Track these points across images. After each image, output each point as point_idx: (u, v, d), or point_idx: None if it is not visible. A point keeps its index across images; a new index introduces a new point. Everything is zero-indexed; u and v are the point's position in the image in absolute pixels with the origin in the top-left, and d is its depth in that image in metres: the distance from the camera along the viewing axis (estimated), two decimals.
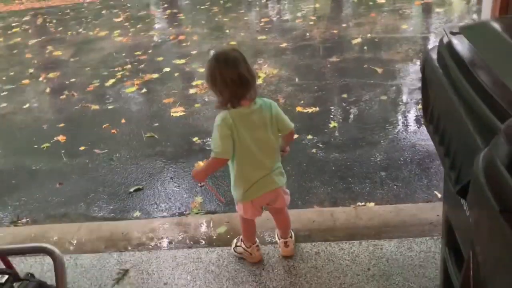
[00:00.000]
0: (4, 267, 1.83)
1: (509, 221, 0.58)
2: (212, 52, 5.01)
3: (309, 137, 3.28)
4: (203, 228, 2.42)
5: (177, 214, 2.69)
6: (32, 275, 1.77)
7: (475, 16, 5.86)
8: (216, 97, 1.85)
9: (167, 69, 5.02)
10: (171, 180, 3.02)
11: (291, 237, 2.18)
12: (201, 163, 3.12)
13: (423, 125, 3.32)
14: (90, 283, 2.13)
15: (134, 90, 4.61)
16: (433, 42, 5.13)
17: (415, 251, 2.09)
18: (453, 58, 1.12)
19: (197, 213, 2.66)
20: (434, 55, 1.27)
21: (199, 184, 2.39)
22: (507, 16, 1.72)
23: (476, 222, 0.75)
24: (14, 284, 1.67)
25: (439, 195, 2.56)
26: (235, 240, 2.23)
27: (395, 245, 2.14)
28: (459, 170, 0.99)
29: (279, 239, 2.20)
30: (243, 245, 2.16)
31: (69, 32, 7.15)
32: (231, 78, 1.76)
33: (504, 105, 0.85)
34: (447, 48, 1.18)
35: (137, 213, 2.74)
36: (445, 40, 1.22)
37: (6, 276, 1.62)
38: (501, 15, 1.78)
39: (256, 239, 2.17)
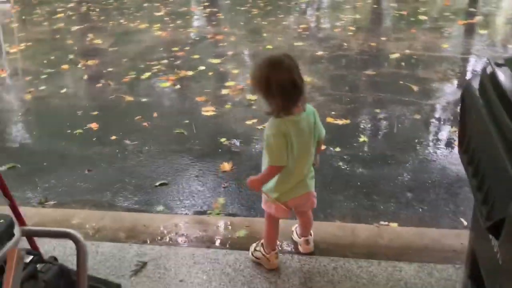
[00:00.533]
0: (29, 247, 1.91)
1: None
2: (257, 56, 5.06)
3: (337, 149, 3.26)
4: (223, 230, 2.44)
5: (199, 212, 2.72)
6: (55, 258, 1.83)
7: None
8: (267, 103, 1.85)
9: (202, 68, 5.08)
10: (196, 178, 3.06)
11: (311, 235, 2.24)
12: (226, 164, 3.15)
13: (454, 149, 3.25)
14: (108, 271, 2.17)
15: (168, 85, 4.69)
16: (472, 65, 5.02)
17: (435, 278, 2.05)
18: (495, 91, 1.10)
19: (218, 214, 2.68)
20: (475, 85, 1.25)
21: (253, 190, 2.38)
22: None
23: (506, 264, 0.74)
24: (38, 266, 1.73)
25: (465, 223, 2.50)
26: (254, 245, 2.23)
27: (415, 269, 2.10)
28: (491, 207, 0.97)
29: (299, 238, 2.24)
30: (262, 250, 2.16)
31: (111, 22, 7.31)
32: (286, 84, 1.77)
33: None
34: (490, 79, 1.16)
35: (161, 207, 2.79)
36: (489, 70, 1.20)
37: (31, 257, 1.68)
38: None
39: (276, 246, 2.18)
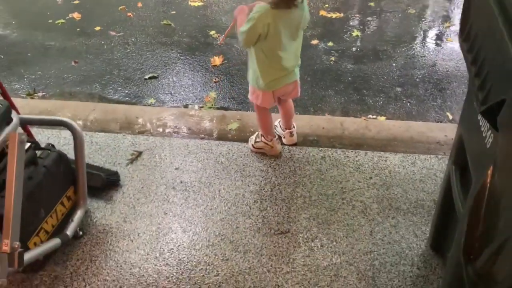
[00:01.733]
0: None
1: None
2: None
3: (330, 44, 3.21)
4: (216, 122, 2.48)
5: (191, 106, 2.74)
6: (52, 145, 1.86)
7: None
8: None
9: None
10: (187, 72, 3.02)
11: (293, 127, 2.30)
12: (217, 58, 3.10)
13: (446, 44, 3.23)
14: (105, 160, 2.24)
15: None
16: None
17: (418, 167, 2.17)
18: None
19: (210, 108, 2.70)
20: None
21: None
22: None
23: (503, 141, 0.78)
24: (37, 152, 1.77)
25: (451, 117, 2.59)
26: (253, 137, 2.29)
27: (399, 159, 2.22)
28: (488, 91, 1.00)
29: (283, 131, 2.31)
30: (263, 139, 2.24)
31: None
32: None
33: None
34: None
35: (152, 100, 2.79)
36: None
37: (29, 144, 1.71)
38: None
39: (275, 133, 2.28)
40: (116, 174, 2.12)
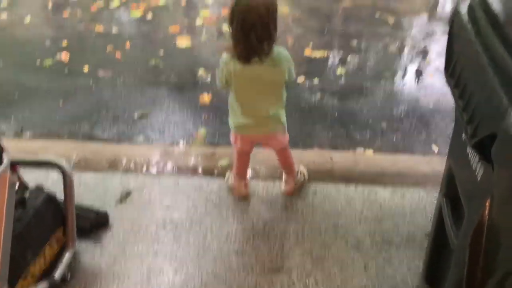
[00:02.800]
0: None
1: None
2: None
3: (315, 81, 3.28)
4: (206, 159, 2.48)
5: (180, 143, 2.74)
6: (41, 186, 1.83)
7: None
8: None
9: None
10: (176, 110, 3.04)
11: (292, 177, 2.21)
12: (206, 96, 3.14)
13: (427, 80, 3.34)
14: (93, 200, 2.20)
15: (139, 15, 4.48)
16: None
17: (408, 200, 2.19)
18: (486, 14, 1.13)
19: (200, 144, 2.71)
20: (464, 9, 1.27)
21: None
22: None
23: (499, 175, 0.80)
24: (26, 193, 1.74)
25: (436, 150, 2.64)
26: (228, 172, 2.29)
27: (389, 192, 2.24)
28: (477, 125, 1.03)
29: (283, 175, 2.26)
30: (231, 178, 2.22)
31: None
32: (237, 32, 1.68)
33: None
34: (480, 4, 1.18)
35: (141, 139, 2.79)
36: None
37: (18, 185, 1.68)
38: None
39: (248, 177, 2.22)
40: (105, 214, 2.09)
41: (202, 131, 2.82)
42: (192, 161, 2.47)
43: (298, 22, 4.25)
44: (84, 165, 2.46)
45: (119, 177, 2.35)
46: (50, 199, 1.80)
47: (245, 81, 1.82)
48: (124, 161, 2.47)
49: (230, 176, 2.24)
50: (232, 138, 2.07)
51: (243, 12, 1.66)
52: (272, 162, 2.42)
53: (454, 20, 1.30)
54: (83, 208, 2.07)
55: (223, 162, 2.43)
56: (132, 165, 2.44)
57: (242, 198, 2.19)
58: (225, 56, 1.82)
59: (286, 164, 2.21)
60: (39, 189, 1.80)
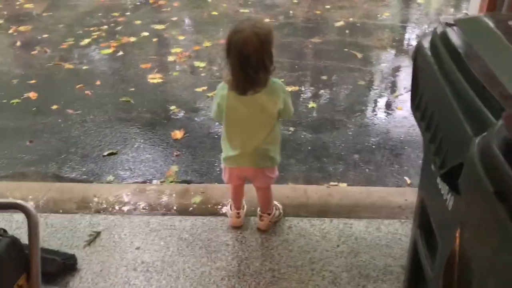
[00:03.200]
0: None
1: (502, 201, 0.63)
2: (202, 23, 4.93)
3: None
4: (178, 197, 2.43)
5: (152, 181, 2.69)
6: (5, 230, 1.74)
7: (452, 10, 5.99)
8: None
9: (145, 34, 4.90)
10: (147, 147, 3.00)
11: (269, 214, 2.17)
12: (178, 132, 3.11)
13: (397, 112, 3.42)
14: (60, 243, 2.11)
15: (110, 52, 4.48)
16: (411, 32, 5.23)
17: (383, 232, 2.18)
18: (447, 49, 1.17)
19: (172, 182, 2.66)
20: (426, 44, 1.31)
21: None
22: (497, 12, 1.78)
23: (467, 204, 0.80)
24: None
25: (409, 181, 2.67)
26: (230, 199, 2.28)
27: (364, 225, 2.23)
28: (444, 155, 1.05)
29: (258, 211, 2.22)
30: (228, 207, 2.25)
31: None
32: (232, 63, 1.71)
33: (496, 96, 0.90)
34: (441, 39, 1.22)
35: (111, 177, 2.72)
36: (439, 30, 1.26)
37: None
38: (488, 12, 1.85)
39: (243, 206, 2.23)
40: (72, 257, 2.00)
41: (174, 168, 2.78)
42: (163, 199, 2.41)
43: None
44: (51, 206, 2.37)
45: (87, 218, 2.27)
46: (14, 243, 1.70)
47: (237, 112, 1.82)
48: (93, 201, 2.39)
49: (228, 205, 2.25)
50: (222, 171, 2.08)
51: (239, 44, 1.67)
52: (246, 197, 2.39)
53: (417, 55, 1.34)
54: (49, 252, 1.98)
55: (196, 199, 2.38)
56: (101, 205, 2.37)
57: (234, 227, 2.18)
58: (221, 85, 1.85)
59: (265, 201, 2.17)
60: (2, 233, 1.71)
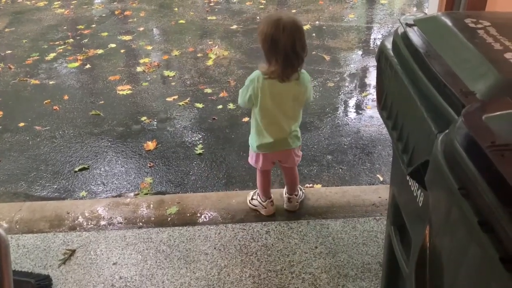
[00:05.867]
0: None
1: (466, 197, 0.65)
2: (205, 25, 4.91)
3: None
4: (153, 209, 2.40)
5: (126, 194, 2.65)
6: None
7: (415, 9, 6.16)
8: (265, 60, 1.88)
9: (113, 45, 4.84)
10: (119, 160, 2.96)
11: (296, 195, 2.34)
12: (150, 143, 3.08)
13: (366, 112, 3.48)
14: (34, 264, 2.06)
15: (77, 65, 4.41)
16: (376, 32, 5.34)
17: (359, 231, 2.21)
18: (408, 49, 1.19)
19: (146, 194, 2.63)
20: (389, 45, 1.34)
21: None
22: (454, 11, 1.84)
23: (433, 201, 0.83)
24: None
25: (381, 178, 2.71)
26: (251, 193, 2.38)
27: (340, 225, 2.25)
28: (411, 153, 1.07)
29: (285, 195, 2.36)
30: (259, 199, 2.32)
31: (3, 0, 6.64)
32: (278, 52, 1.80)
33: (456, 94, 0.93)
34: (402, 39, 1.25)
35: (83, 193, 2.66)
36: (400, 31, 1.29)
37: None
38: (446, 11, 1.90)
39: (271, 194, 2.32)
40: (47, 278, 1.95)
41: (148, 180, 2.74)
42: (139, 212, 2.38)
43: (239, 63, 4.34)
44: (23, 226, 2.30)
45: (61, 236, 2.21)
46: None
47: (274, 99, 1.93)
48: (66, 219, 2.34)
49: (257, 198, 2.32)
50: (252, 158, 2.17)
51: (286, 33, 1.79)
52: (223, 205, 2.39)
53: (380, 55, 1.36)
54: (22, 274, 1.92)
55: (172, 210, 2.36)
56: (75, 222, 2.32)
57: (270, 215, 2.29)
58: (257, 74, 1.91)
59: (294, 181, 2.32)
60: None
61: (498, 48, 1.03)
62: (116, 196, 2.63)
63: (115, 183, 2.74)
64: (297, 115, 2.06)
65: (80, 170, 2.85)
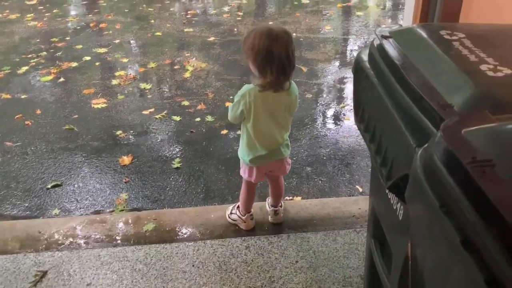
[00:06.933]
0: None
1: (448, 216, 0.63)
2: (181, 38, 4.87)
3: (238, 132, 3.28)
4: (129, 226, 2.33)
5: (100, 211, 2.57)
6: None
7: (389, 21, 6.26)
8: (259, 75, 1.86)
9: (87, 58, 4.76)
10: (94, 175, 2.87)
11: (281, 206, 2.33)
12: (125, 158, 3.01)
13: (344, 123, 3.49)
14: (3, 287, 1.96)
15: (50, 79, 4.31)
16: (352, 44, 5.40)
17: (340, 243, 2.19)
18: (384, 61, 1.18)
19: (122, 210, 2.55)
20: (365, 57, 1.33)
21: None
22: (429, 23, 1.85)
23: (414, 217, 0.80)
24: None
25: (360, 189, 2.71)
26: (230, 207, 2.33)
27: (321, 238, 2.22)
28: (390, 167, 1.05)
29: (269, 208, 2.33)
30: (238, 213, 2.27)
31: None
32: (272, 63, 1.79)
33: (434, 106, 0.91)
34: (378, 51, 1.24)
35: (56, 211, 2.57)
36: (376, 43, 1.29)
37: None
38: (421, 23, 1.92)
39: (252, 209, 2.29)
40: None
41: (123, 196, 2.67)
42: (114, 230, 2.30)
43: (217, 75, 4.31)
44: None
45: (32, 256, 2.12)
46: None
47: (268, 111, 1.93)
48: (37, 238, 2.24)
49: (236, 212, 2.29)
50: (245, 172, 2.12)
51: (279, 43, 1.79)
52: (201, 220, 2.33)
53: (357, 67, 1.35)
54: None
55: (148, 227, 2.30)
56: (47, 242, 2.22)
57: (251, 230, 2.26)
58: (248, 89, 1.89)
59: (281, 191, 2.31)
60: None
61: (473, 60, 1.03)
62: (90, 214, 2.54)
63: (89, 200, 2.66)
64: (289, 125, 2.08)
65: (53, 187, 2.76)
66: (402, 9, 6.43)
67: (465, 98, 0.91)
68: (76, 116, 3.59)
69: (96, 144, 3.21)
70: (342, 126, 3.45)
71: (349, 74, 4.35)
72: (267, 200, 2.40)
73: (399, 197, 1.07)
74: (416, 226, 0.79)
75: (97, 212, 2.55)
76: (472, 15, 2.03)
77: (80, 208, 2.60)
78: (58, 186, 2.77)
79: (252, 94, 1.89)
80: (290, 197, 2.62)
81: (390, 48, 1.18)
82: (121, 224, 2.34)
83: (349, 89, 4.12)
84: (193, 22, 6.05)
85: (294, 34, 5.45)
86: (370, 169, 1.77)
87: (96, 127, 3.43)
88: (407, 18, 2.14)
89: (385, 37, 1.24)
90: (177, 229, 2.29)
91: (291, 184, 2.77)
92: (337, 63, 4.73)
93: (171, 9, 6.74)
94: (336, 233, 2.26)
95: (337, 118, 3.61)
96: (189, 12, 6.51)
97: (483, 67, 0.99)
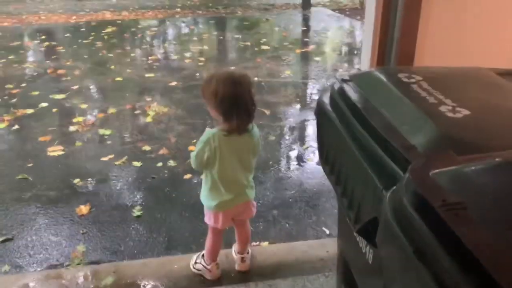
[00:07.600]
0: None
1: (422, 261, 0.60)
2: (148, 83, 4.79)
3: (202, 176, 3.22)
4: (87, 281, 2.18)
5: (55, 266, 2.40)
6: None
7: (346, 65, 6.51)
8: (219, 118, 1.86)
9: (44, 104, 4.63)
10: (48, 227, 2.71)
11: (248, 253, 2.26)
12: (83, 207, 2.87)
13: (308, 164, 3.50)
14: None
15: (4, 126, 4.13)
16: (312, 87, 5.54)
17: None
18: (346, 104, 1.19)
19: (78, 264, 2.40)
20: (326, 100, 1.34)
21: None
22: (387, 67, 1.91)
23: (387, 261, 0.78)
24: None
25: (327, 231, 2.68)
26: (194, 256, 2.23)
27: (290, 284, 2.16)
28: (358, 210, 1.03)
29: (235, 255, 2.24)
30: (203, 262, 2.17)
31: None
32: (235, 107, 1.80)
33: (398, 148, 0.91)
34: (339, 94, 1.25)
35: (6, 267, 2.38)
36: (337, 86, 1.30)
37: None
38: (379, 66, 1.98)
39: (218, 258, 2.21)
40: None
41: (80, 248, 2.51)
42: (69, 285, 2.15)
43: (179, 120, 4.28)
44: None
45: None
46: None
47: (234, 155, 1.91)
48: None
49: (201, 261, 2.20)
50: (210, 219, 2.05)
51: (235, 89, 1.81)
52: (164, 271, 2.22)
53: (319, 111, 1.36)
54: None
55: (107, 281, 2.16)
56: None
57: (216, 280, 2.18)
58: (211, 134, 1.88)
59: (247, 237, 2.25)
60: None
61: (432, 102, 1.05)
62: (44, 269, 2.37)
63: (44, 254, 2.49)
64: (253, 167, 2.07)
65: (3, 241, 2.57)
66: (358, 54, 6.73)
67: (427, 139, 0.92)
68: (31, 164, 3.43)
69: (51, 193, 3.05)
70: (306, 168, 3.46)
71: (310, 116, 4.42)
72: (233, 247, 2.32)
73: (368, 241, 1.04)
74: (389, 271, 0.76)
75: (52, 267, 2.38)
76: (426, 56, 2.13)
77: (33, 263, 2.42)
78: (9, 240, 2.59)
79: (217, 139, 1.87)
80: (257, 243, 2.55)
81: (351, 91, 1.20)
82: (77, 279, 2.19)
83: (311, 130, 4.17)
84: (155, 67, 6.06)
85: (256, 79, 5.54)
86: (336, 211, 1.75)
87: (52, 176, 3.27)
88: (364, 61, 2.22)
89: (345, 81, 1.26)
90: (138, 282, 2.16)
91: (258, 228, 2.70)
92: (298, 106, 4.82)
93: (131, 54, 6.74)
94: (305, 278, 2.19)
95: (301, 159, 3.62)
96: (150, 57, 6.53)
97: (443, 108, 1.01)
